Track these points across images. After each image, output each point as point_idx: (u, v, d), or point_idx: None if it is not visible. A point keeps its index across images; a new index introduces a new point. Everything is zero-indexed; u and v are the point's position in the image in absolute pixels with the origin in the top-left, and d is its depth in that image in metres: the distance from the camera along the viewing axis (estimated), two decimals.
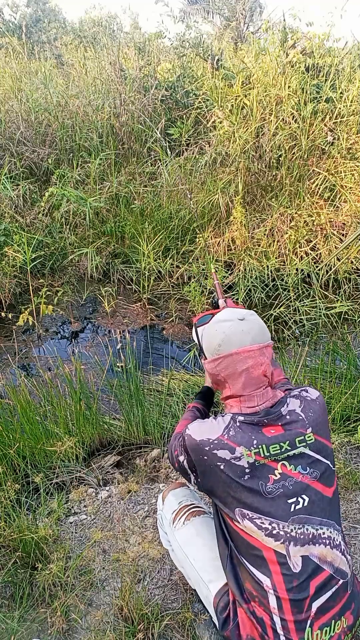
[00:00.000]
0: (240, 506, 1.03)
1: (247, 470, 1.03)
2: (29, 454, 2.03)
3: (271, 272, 3.76)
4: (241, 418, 1.08)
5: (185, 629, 1.41)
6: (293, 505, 1.02)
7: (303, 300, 3.67)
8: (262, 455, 1.04)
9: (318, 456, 1.08)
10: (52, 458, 2.04)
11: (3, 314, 3.41)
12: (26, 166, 4.77)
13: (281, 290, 3.74)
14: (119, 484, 2.03)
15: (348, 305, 3.61)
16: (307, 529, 1.02)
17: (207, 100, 4.71)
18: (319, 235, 3.98)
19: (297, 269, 3.80)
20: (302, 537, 1.01)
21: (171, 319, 3.67)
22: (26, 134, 4.85)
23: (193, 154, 4.52)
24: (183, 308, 3.80)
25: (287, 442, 1.05)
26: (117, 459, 2.22)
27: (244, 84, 4.38)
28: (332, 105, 4.23)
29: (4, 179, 4.20)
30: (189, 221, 4.14)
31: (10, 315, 3.40)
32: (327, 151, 4.23)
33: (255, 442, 1.04)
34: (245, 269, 3.78)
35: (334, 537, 1.04)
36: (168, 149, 4.79)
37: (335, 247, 3.91)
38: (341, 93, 4.25)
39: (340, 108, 4.21)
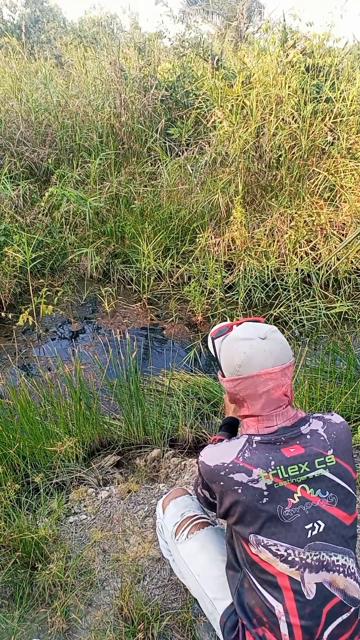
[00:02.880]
0: (256, 532, 1.00)
1: (265, 493, 0.99)
2: (29, 454, 2.03)
3: (271, 272, 3.76)
4: (257, 438, 1.04)
5: (185, 629, 1.41)
6: (310, 532, 0.99)
7: (303, 300, 3.67)
8: (281, 477, 1.00)
9: (338, 480, 1.03)
10: (52, 458, 2.04)
11: (3, 314, 3.40)
12: (26, 166, 4.77)
13: (281, 290, 3.74)
14: (119, 484, 2.03)
15: (348, 305, 3.61)
16: (322, 556, 0.99)
17: (207, 100, 4.71)
18: (319, 235, 3.98)
19: (297, 269, 3.80)
20: (317, 564, 0.98)
21: (171, 319, 3.67)
22: (26, 134, 4.85)
23: (193, 154, 4.52)
24: (183, 308, 3.79)
25: (306, 463, 1.01)
26: (117, 459, 2.22)
27: (244, 84, 4.38)
28: (332, 105, 4.23)
29: (4, 179, 4.20)
30: (189, 221, 4.14)
31: (10, 315, 3.40)
32: (327, 151, 4.23)
33: (272, 463, 1.00)
34: (245, 269, 3.78)
35: (349, 565, 1.01)
36: (168, 149, 4.79)
37: (335, 247, 3.92)
38: (341, 93, 4.25)
39: (340, 108, 4.21)
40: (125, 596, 1.42)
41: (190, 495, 1.47)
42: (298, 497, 1.00)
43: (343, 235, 4.01)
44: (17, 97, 5.06)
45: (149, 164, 4.73)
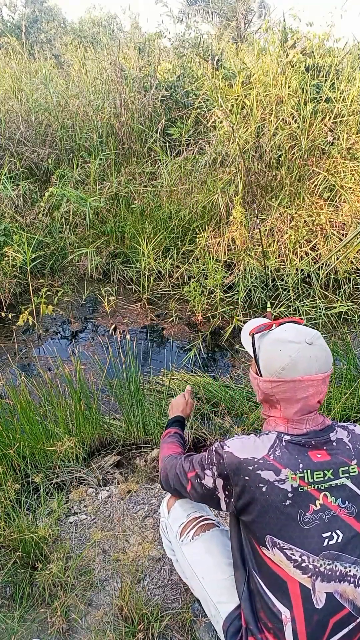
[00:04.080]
0: (272, 533, 0.98)
1: (289, 495, 0.97)
2: (29, 454, 2.03)
3: (271, 272, 3.76)
4: (287, 438, 1.03)
5: (185, 629, 1.41)
6: (327, 540, 0.98)
7: (303, 300, 3.67)
8: (306, 482, 0.99)
9: (359, 491, 1.02)
10: (52, 458, 2.04)
11: (3, 314, 3.40)
12: (26, 166, 4.78)
13: (281, 290, 3.74)
14: (119, 484, 2.03)
15: (348, 305, 3.61)
16: (336, 566, 0.98)
17: (207, 100, 4.71)
18: (319, 235, 3.98)
19: (297, 269, 3.80)
20: (329, 573, 0.97)
21: (171, 319, 3.67)
22: (26, 134, 4.85)
23: (193, 154, 4.52)
24: (183, 308, 3.79)
25: (331, 470, 1.01)
26: (117, 459, 2.22)
27: (244, 84, 4.38)
28: (332, 105, 4.23)
29: (4, 179, 4.20)
30: (189, 221, 4.14)
31: (10, 315, 3.39)
32: (327, 151, 4.23)
33: (301, 465, 0.99)
34: (245, 269, 3.78)
35: (355, 574, 1.00)
36: (168, 149, 4.79)
37: (335, 247, 3.92)
38: (341, 93, 4.25)
39: (340, 108, 4.21)
40: (125, 596, 1.42)
41: None
42: (320, 504, 0.99)
43: (343, 235, 4.01)
44: (17, 97, 5.06)
45: (149, 164, 4.73)
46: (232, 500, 1.04)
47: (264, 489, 0.98)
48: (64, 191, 3.99)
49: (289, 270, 3.76)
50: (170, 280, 3.97)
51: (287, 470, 0.98)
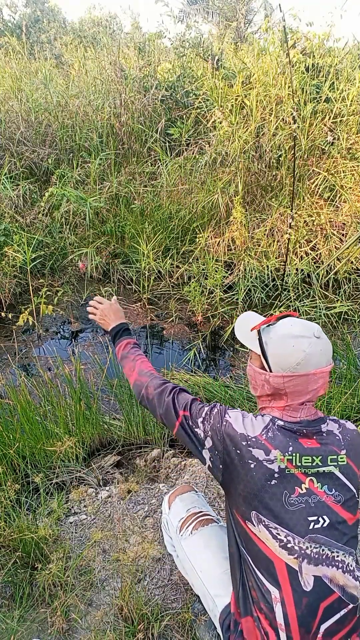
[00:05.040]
0: (258, 510, 1.00)
1: (276, 475, 1.00)
2: (29, 454, 2.03)
3: (271, 272, 3.76)
4: (280, 423, 1.06)
5: (185, 629, 1.41)
6: (312, 524, 1.00)
7: (303, 300, 3.67)
8: (294, 464, 1.01)
9: (346, 481, 1.05)
10: (52, 458, 2.04)
11: (3, 314, 3.40)
12: (26, 166, 4.77)
13: (281, 290, 3.73)
14: (119, 484, 2.03)
15: (348, 306, 3.61)
16: (323, 550, 0.99)
17: (207, 100, 4.71)
18: (319, 235, 3.98)
19: (297, 269, 3.80)
20: (316, 556, 0.99)
21: (171, 319, 3.67)
22: (26, 134, 4.85)
23: (193, 154, 4.52)
24: (183, 308, 3.79)
25: (320, 457, 1.03)
26: (117, 459, 2.22)
27: (244, 84, 4.38)
28: (331, 105, 4.23)
29: (4, 179, 4.20)
30: (189, 221, 4.14)
31: (10, 315, 3.39)
32: (327, 151, 4.23)
33: (290, 449, 1.02)
34: (245, 269, 3.78)
35: (348, 562, 1.02)
36: (168, 149, 4.79)
37: (335, 247, 3.92)
38: (341, 93, 4.25)
39: (340, 108, 4.21)
40: (125, 596, 1.42)
41: (196, 492, 1.47)
42: (305, 487, 1.01)
43: (343, 235, 4.01)
44: (17, 97, 5.06)
45: (149, 164, 4.73)
46: (218, 465, 1.06)
47: (252, 466, 1.01)
48: (64, 191, 3.99)
49: (289, 270, 3.76)
50: (170, 280, 3.97)
51: (276, 451, 1.01)
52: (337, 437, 1.07)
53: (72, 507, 1.91)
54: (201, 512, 1.32)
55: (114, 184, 4.36)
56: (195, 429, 1.10)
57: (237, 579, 1.07)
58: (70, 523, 1.83)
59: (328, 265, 3.83)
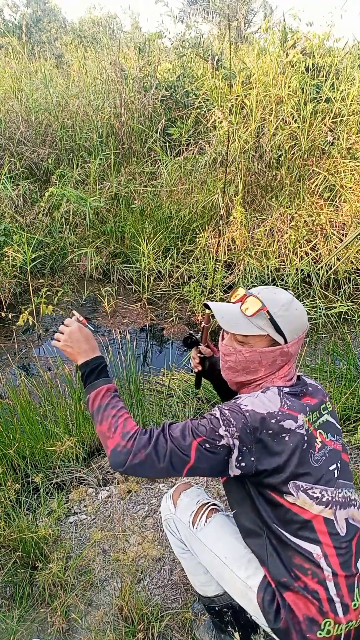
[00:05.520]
0: (296, 478, 1.02)
1: (305, 438, 1.04)
2: (29, 454, 2.03)
3: (271, 272, 3.76)
4: (286, 389, 1.10)
5: (185, 629, 1.41)
6: (335, 472, 1.07)
7: (303, 300, 3.66)
8: (311, 423, 1.07)
9: (336, 423, 1.15)
10: (52, 458, 2.04)
11: (3, 314, 3.40)
12: (26, 166, 4.77)
13: None
14: (119, 484, 2.03)
15: (348, 305, 3.61)
16: (345, 493, 1.07)
17: (207, 100, 4.71)
18: (319, 235, 3.98)
19: (297, 269, 3.80)
20: (342, 500, 1.05)
21: (171, 319, 3.67)
22: (26, 134, 4.85)
23: (193, 154, 4.52)
24: (183, 308, 3.79)
25: (318, 410, 1.11)
26: None
27: (244, 84, 4.38)
28: (332, 105, 4.23)
29: (4, 179, 4.21)
30: (189, 221, 4.14)
31: (10, 315, 3.39)
32: (327, 151, 4.23)
33: (307, 409, 1.07)
34: (245, 269, 3.78)
35: (355, 498, 1.09)
36: (168, 149, 4.79)
37: (335, 247, 3.91)
38: (341, 93, 4.25)
39: (340, 108, 4.21)
40: (125, 596, 1.42)
41: (199, 486, 1.47)
42: (320, 442, 1.07)
43: (343, 235, 4.01)
44: (17, 97, 5.06)
45: (149, 164, 4.73)
46: (250, 458, 1.01)
47: (286, 438, 1.02)
48: (64, 191, 3.99)
49: (289, 270, 3.76)
50: (170, 280, 3.97)
51: (301, 415, 1.05)
52: (317, 387, 1.17)
53: (72, 507, 1.91)
54: (209, 502, 1.31)
55: (114, 184, 4.36)
56: (219, 443, 1.01)
57: (273, 556, 1.05)
58: (70, 523, 1.83)
59: (327, 264, 3.83)
